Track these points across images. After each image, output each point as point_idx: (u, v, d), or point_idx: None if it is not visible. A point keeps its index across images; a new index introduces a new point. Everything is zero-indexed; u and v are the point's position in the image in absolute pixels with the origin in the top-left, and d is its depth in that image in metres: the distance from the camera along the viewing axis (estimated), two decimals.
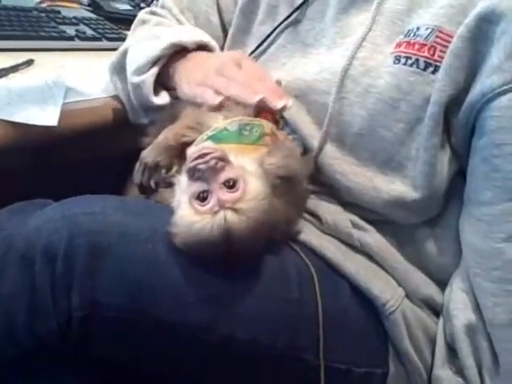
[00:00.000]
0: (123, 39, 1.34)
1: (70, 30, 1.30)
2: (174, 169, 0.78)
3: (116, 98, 1.02)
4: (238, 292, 0.71)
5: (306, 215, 0.84)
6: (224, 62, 0.85)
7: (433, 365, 0.80)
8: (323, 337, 0.74)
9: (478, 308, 0.76)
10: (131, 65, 0.94)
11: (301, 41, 0.92)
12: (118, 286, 0.66)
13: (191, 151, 0.70)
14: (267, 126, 0.78)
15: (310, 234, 0.81)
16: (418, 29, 0.79)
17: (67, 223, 0.66)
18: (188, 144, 0.76)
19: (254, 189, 0.68)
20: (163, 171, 0.77)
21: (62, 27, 1.30)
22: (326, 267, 0.79)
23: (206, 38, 0.95)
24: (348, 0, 0.87)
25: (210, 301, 0.69)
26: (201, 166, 0.67)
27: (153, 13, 1.09)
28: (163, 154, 0.77)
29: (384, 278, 0.81)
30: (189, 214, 0.67)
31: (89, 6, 1.62)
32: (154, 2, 1.71)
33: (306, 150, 0.85)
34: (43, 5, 1.45)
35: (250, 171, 0.70)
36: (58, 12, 1.39)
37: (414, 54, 0.78)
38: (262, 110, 0.80)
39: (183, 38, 0.92)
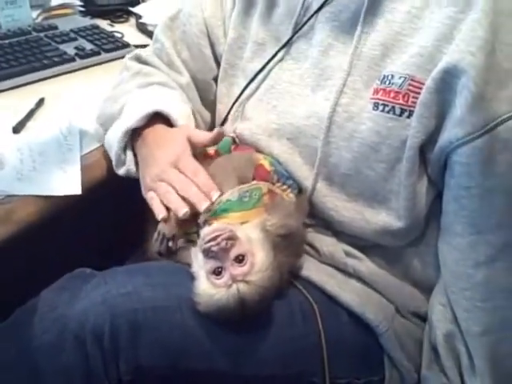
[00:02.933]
0: (119, 48, 1.43)
1: (70, 49, 1.38)
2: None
3: None
4: (254, 339, 0.86)
5: (305, 246, 0.97)
6: (162, 166, 0.93)
7: (421, 365, 0.95)
8: (327, 360, 0.89)
9: (455, 320, 0.90)
10: (111, 155, 1.03)
11: (288, 80, 1.00)
12: (157, 351, 0.81)
13: (204, 233, 0.82)
14: (264, 186, 0.90)
15: (310, 269, 0.94)
16: (392, 77, 0.87)
17: (108, 306, 0.81)
18: (197, 213, 0.88)
19: (259, 260, 0.81)
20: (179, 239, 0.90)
21: (62, 47, 1.38)
22: (325, 298, 0.93)
23: (159, 106, 1.01)
24: (327, 43, 0.95)
25: (232, 351, 0.84)
26: (214, 249, 0.80)
27: (138, 57, 1.16)
28: (178, 225, 0.89)
29: (376, 300, 0.95)
30: (207, 287, 0.81)
31: (81, 5, 1.67)
32: None
33: (300, 190, 0.96)
34: (40, 18, 1.50)
35: (255, 240, 0.83)
36: (56, 27, 1.46)
37: (391, 102, 0.87)
38: (257, 169, 0.91)
39: (131, 122, 0.99)
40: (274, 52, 1.02)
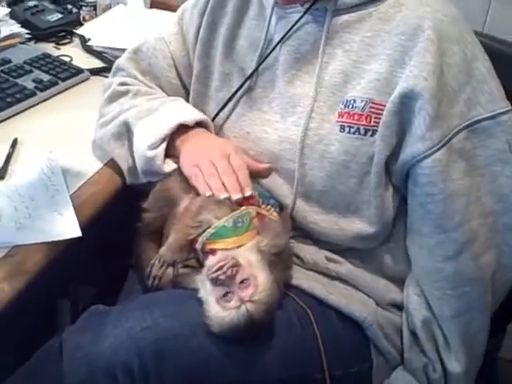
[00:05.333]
0: (74, 74, 1.47)
1: (28, 83, 1.40)
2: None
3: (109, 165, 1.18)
4: (259, 348, 0.96)
5: None
6: (215, 153, 1.03)
7: (403, 349, 1.08)
8: (325, 357, 1.00)
9: (429, 307, 1.04)
10: (143, 140, 1.08)
11: (257, 108, 1.10)
12: (181, 375, 0.91)
13: (210, 264, 0.92)
14: (253, 210, 0.99)
15: (299, 277, 1.05)
16: (354, 101, 0.99)
17: (134, 341, 0.89)
18: (194, 239, 0.97)
19: (262, 281, 0.92)
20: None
21: (20, 81, 1.40)
22: (315, 302, 1.04)
23: (202, 116, 1.11)
24: (291, 74, 1.05)
25: (242, 361, 0.95)
26: (221, 277, 0.89)
27: (124, 83, 1.20)
28: (178, 252, 0.98)
29: (359, 297, 1.06)
30: (218, 311, 0.90)
31: (24, 27, 1.68)
32: (83, 8, 1.77)
33: (281, 207, 1.07)
34: None
35: (255, 262, 0.93)
36: (9, 61, 1.48)
37: (355, 124, 0.98)
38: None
39: (186, 118, 1.08)
40: (240, 82, 1.11)
